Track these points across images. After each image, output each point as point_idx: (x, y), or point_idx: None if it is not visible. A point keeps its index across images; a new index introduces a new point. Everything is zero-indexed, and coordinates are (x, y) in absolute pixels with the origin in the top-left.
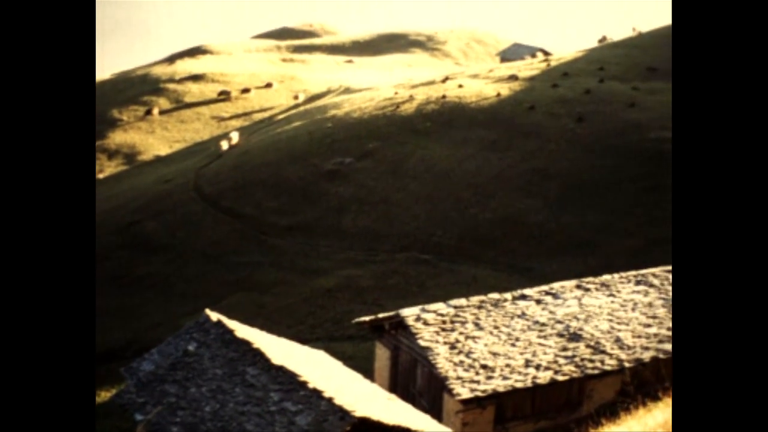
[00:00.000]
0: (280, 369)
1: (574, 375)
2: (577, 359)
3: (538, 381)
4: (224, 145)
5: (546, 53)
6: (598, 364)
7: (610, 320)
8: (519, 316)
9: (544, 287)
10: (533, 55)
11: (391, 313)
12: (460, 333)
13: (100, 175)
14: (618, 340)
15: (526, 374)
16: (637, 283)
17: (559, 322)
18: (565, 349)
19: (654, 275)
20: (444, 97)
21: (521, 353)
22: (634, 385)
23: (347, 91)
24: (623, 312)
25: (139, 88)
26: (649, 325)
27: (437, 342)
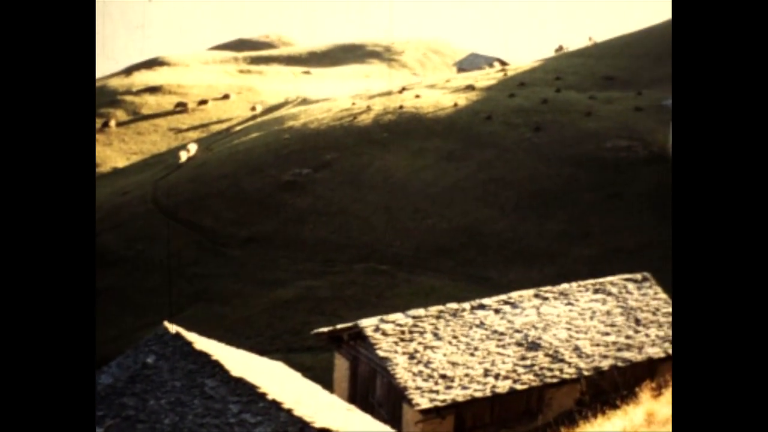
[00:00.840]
0: (239, 381)
1: (533, 384)
2: (536, 368)
3: (498, 390)
4: (182, 156)
5: (503, 63)
6: (557, 373)
7: (569, 329)
8: (478, 326)
9: (503, 297)
10: (490, 65)
11: (350, 324)
12: (419, 343)
13: None
14: (576, 348)
15: (486, 384)
16: (595, 291)
17: (517, 331)
18: (523, 358)
19: (612, 284)
20: (401, 107)
21: (480, 363)
22: (590, 393)
23: (304, 102)
24: (581, 321)
25: (96, 100)
26: (607, 334)
27: (396, 352)
